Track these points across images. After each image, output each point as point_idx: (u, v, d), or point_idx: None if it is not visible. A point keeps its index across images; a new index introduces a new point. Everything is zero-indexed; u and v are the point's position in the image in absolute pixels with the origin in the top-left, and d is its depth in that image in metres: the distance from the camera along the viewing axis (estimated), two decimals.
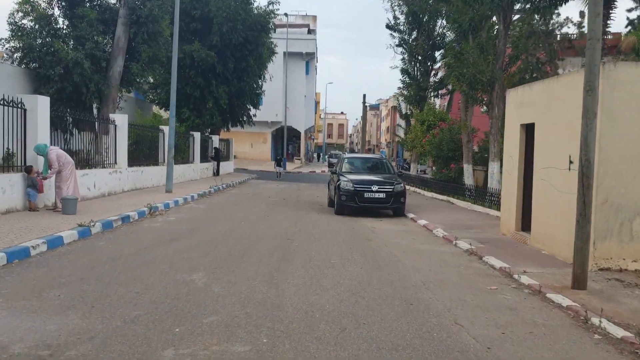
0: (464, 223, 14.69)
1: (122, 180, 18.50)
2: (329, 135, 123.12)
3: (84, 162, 16.53)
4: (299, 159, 59.17)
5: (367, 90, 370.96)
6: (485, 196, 18.68)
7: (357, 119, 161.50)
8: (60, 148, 16.84)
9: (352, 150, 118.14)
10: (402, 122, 36.99)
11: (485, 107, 27.16)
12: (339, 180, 16.51)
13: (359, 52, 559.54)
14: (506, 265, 9.05)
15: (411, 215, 16.40)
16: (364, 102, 34.89)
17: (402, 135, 35.22)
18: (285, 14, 48.71)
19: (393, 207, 16.27)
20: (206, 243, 10.29)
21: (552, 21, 26.90)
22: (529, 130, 11.65)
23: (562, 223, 9.78)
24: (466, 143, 21.91)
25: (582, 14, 30.70)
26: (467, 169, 21.96)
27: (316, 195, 22.91)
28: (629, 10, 35.46)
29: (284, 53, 49.72)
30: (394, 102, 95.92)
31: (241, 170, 40.77)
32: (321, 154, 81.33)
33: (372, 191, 15.90)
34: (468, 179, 21.82)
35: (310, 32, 58.94)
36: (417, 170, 33.74)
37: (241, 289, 7.04)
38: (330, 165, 60.14)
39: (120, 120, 18.70)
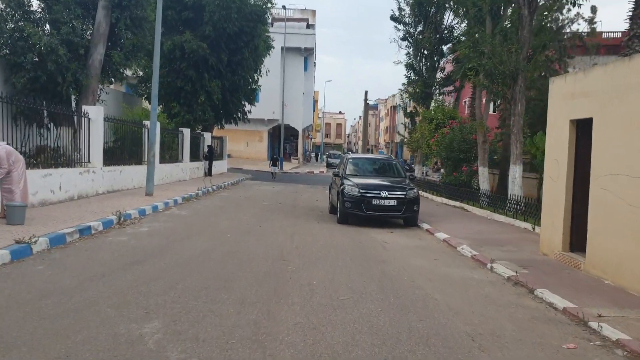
0: (491, 237, 12.37)
1: (96, 182, 16.13)
2: (327, 135, 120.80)
3: (49, 160, 14.21)
4: (297, 159, 56.70)
5: (365, 90, 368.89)
6: (505, 203, 16.40)
7: (355, 119, 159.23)
8: (31, 144, 14.73)
9: (349, 151, 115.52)
10: (406, 121, 34.65)
11: (495, 104, 24.90)
12: (342, 184, 14.20)
13: (356, 52, 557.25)
14: (572, 305, 6.74)
15: (425, 225, 14.08)
16: (365, 100, 32.60)
17: (406, 135, 32.96)
18: (283, 7, 46.35)
19: (405, 216, 13.95)
20: (177, 268, 7.93)
21: (561, 17, 24.78)
22: (581, 127, 9.36)
23: (636, 247, 7.49)
24: (482, 143, 19.59)
25: (593, 9, 28.51)
26: (483, 172, 19.64)
27: (315, 199, 20.59)
28: None
29: (282, 48, 47.36)
30: (393, 102, 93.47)
31: (235, 170, 38.43)
32: (319, 153, 78.69)
33: (381, 197, 13.58)
34: (484, 184, 19.50)
35: (309, 26, 56.41)
36: (422, 172, 31.43)
37: (211, 354, 4.70)
38: (329, 165, 57.94)
39: (95, 112, 16.35)
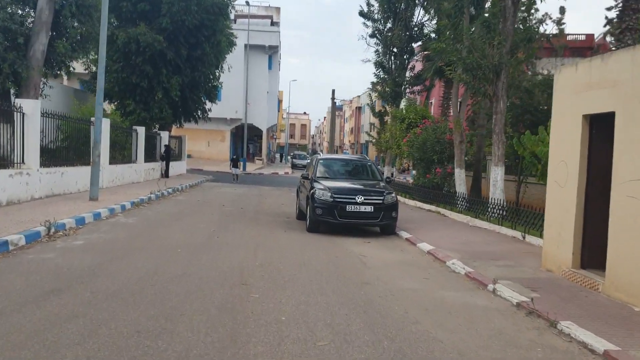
0: (481, 249, 10.86)
1: (32, 185, 14.04)
2: (291, 136, 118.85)
3: None
4: (260, 160, 54.64)
5: (329, 91, 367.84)
6: (485, 208, 15.03)
7: (319, 120, 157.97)
8: None
9: (315, 152, 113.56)
10: (374, 121, 32.94)
11: (461, 105, 23.71)
12: (312, 187, 12.53)
13: (320, 54, 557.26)
14: (614, 347, 5.22)
15: (404, 234, 12.53)
16: (332, 99, 30.97)
17: (375, 135, 31.45)
18: (247, 3, 44.34)
19: (383, 224, 12.36)
20: (106, 299, 6.11)
21: (530, 17, 23.87)
22: (596, 123, 7.93)
23: None
24: (459, 144, 18.19)
25: (562, 9, 27.73)
26: (460, 174, 18.24)
27: (281, 203, 18.87)
28: (609, 9, 32.76)
29: (245, 45, 45.37)
30: (359, 103, 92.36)
31: (196, 171, 36.36)
32: (284, 154, 76.51)
33: (356, 203, 11.96)
34: (460, 186, 18.11)
35: (273, 24, 54.51)
36: (391, 174, 29.93)
37: None
38: (294, 166, 56.07)
39: (30, 107, 14.23)
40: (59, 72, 20.36)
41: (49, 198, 14.64)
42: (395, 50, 29.03)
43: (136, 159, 24.16)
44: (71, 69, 20.23)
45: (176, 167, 31.22)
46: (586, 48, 48.25)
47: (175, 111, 29.39)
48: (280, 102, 71.23)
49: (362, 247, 10.84)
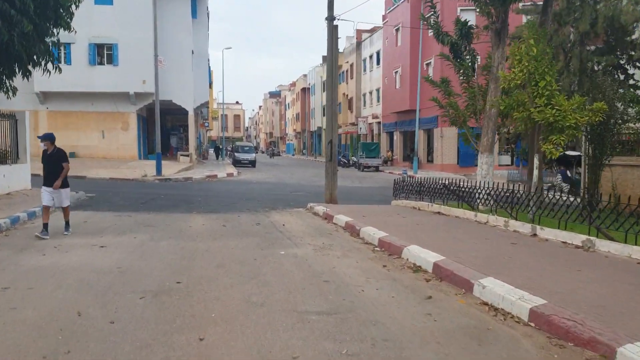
0: None
1: None
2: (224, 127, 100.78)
3: None
4: (187, 156, 36.25)
5: (259, 84, 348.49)
6: None
7: (254, 110, 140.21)
8: None
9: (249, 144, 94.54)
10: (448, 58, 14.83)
11: None
12: None
13: (245, 46, 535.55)
14: None
15: None
16: (330, 19, 14.48)
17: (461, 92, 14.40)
18: None
19: None
20: None
21: None
22: None
23: None
24: None
25: None
26: None
27: None
28: None
29: None
30: (305, 83, 75.42)
31: (70, 180, 18.77)
32: (221, 149, 55.66)
33: None
34: None
35: None
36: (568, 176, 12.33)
37: None
38: (237, 163, 38.03)
39: None
40: None
41: None
42: None
43: None
44: None
45: (7, 179, 13.60)
46: None
47: None
48: (210, 73, 52.14)
49: None
